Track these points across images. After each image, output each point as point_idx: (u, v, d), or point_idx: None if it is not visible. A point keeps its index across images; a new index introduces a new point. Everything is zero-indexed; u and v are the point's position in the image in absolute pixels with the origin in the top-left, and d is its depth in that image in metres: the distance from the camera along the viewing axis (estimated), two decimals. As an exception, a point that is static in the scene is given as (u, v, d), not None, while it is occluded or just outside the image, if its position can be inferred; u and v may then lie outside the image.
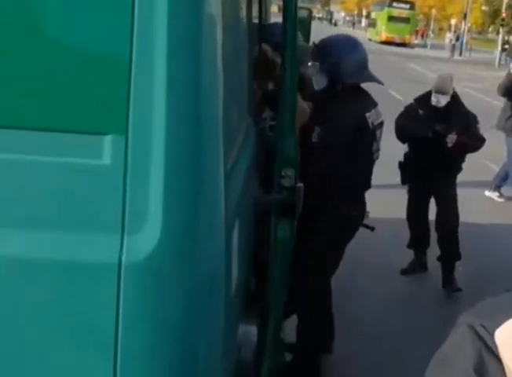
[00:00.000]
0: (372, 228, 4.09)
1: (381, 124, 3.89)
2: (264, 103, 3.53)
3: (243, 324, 2.84)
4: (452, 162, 5.49)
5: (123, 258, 1.69)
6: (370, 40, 42.53)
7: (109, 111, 1.66)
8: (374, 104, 3.90)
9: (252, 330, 2.96)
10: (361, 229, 4.06)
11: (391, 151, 5.92)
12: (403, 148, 5.65)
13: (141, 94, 1.65)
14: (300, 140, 3.14)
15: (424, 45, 43.65)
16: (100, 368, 1.73)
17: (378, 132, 3.85)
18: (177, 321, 1.77)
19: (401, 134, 5.53)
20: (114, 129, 1.66)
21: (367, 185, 3.99)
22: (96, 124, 1.67)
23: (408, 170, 5.56)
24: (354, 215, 3.90)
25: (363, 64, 3.85)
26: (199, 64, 1.71)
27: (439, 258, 5.64)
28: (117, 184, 1.68)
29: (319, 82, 3.79)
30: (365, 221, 4.04)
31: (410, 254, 5.85)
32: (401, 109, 5.72)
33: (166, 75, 1.64)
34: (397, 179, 5.74)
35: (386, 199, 6.77)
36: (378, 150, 3.91)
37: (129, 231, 1.70)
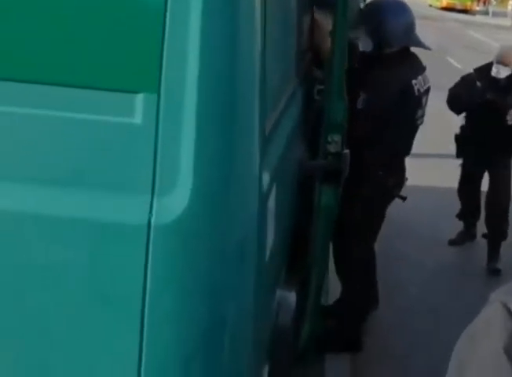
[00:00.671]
0: (404, 198, 4.03)
1: (427, 90, 3.80)
2: (313, 66, 3.47)
3: (281, 290, 2.80)
4: (511, 141, 5.32)
5: (152, 220, 1.66)
6: (430, 6, 41.58)
7: (142, 69, 1.62)
8: (422, 69, 3.81)
9: (291, 296, 2.93)
10: (409, 198, 4.00)
11: (449, 119, 5.81)
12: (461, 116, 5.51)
13: (175, 52, 1.61)
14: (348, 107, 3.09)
15: (486, 13, 42.56)
16: (127, 330, 1.72)
17: (423, 99, 3.77)
18: (205, 285, 1.74)
19: (453, 104, 5.38)
20: (146, 87, 1.62)
21: (408, 152, 3.94)
22: (128, 82, 1.63)
23: (464, 143, 5.43)
24: (392, 182, 3.85)
25: (410, 28, 3.76)
26: (237, 20, 1.66)
27: (484, 235, 5.53)
28: (148, 144, 1.64)
29: (365, 46, 3.72)
30: (403, 189, 4.00)
31: (459, 225, 5.74)
32: (459, 78, 5.56)
33: (201, 32, 1.60)
34: (451, 147, 5.61)
35: (437, 167, 6.64)
36: (422, 116, 3.84)
37: (159, 192, 1.66)
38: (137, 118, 1.63)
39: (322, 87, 3.23)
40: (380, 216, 3.94)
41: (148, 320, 1.70)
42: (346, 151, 2.99)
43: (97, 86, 1.63)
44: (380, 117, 3.62)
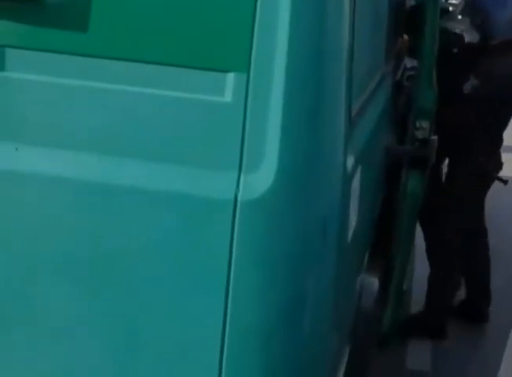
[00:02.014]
0: (505, 182, 4.03)
1: None
2: (403, 52, 3.49)
3: (364, 275, 2.83)
4: None
5: (239, 196, 1.72)
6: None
7: (233, 48, 1.67)
8: None
9: (374, 281, 2.95)
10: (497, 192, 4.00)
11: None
12: None
13: (265, 32, 1.65)
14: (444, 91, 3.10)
15: None
16: (212, 305, 1.77)
17: None
18: (288, 261, 1.78)
19: None
20: (236, 66, 1.67)
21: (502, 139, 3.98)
22: (220, 61, 1.68)
23: None
24: (492, 166, 3.87)
25: None
26: (326, 2, 1.69)
27: None
28: (237, 122, 1.70)
29: (471, 37, 3.74)
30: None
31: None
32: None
33: (290, 13, 1.64)
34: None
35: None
36: None
37: (245, 169, 1.72)
38: (227, 97, 1.69)
39: (411, 73, 3.24)
40: (477, 199, 3.97)
41: (232, 294, 1.76)
42: (434, 137, 3.00)
43: (190, 65, 1.69)
44: (488, 103, 3.66)
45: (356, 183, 2.09)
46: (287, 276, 1.79)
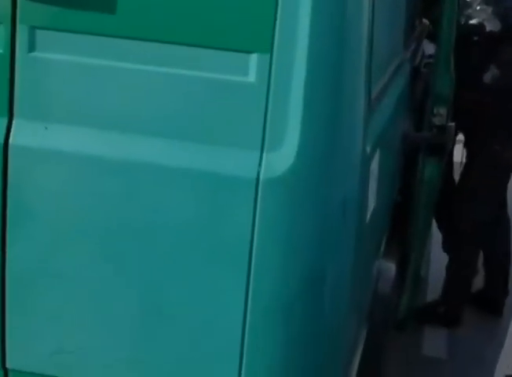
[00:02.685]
0: None
1: None
2: (422, 38, 3.51)
3: (381, 260, 2.87)
4: None
5: (261, 174, 1.77)
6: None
7: (257, 30, 1.72)
8: None
9: (391, 266, 2.99)
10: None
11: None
12: None
13: (287, 14, 1.70)
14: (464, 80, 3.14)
15: None
16: (234, 280, 1.82)
17: None
18: (309, 239, 1.83)
19: None
20: (260, 47, 1.72)
21: None
22: (243, 42, 1.73)
23: None
24: (508, 154, 3.88)
25: None
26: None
27: None
28: (259, 102, 1.75)
29: (493, 26, 3.75)
30: None
31: None
32: None
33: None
34: None
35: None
36: None
37: (268, 148, 1.77)
38: (251, 77, 1.74)
39: (429, 60, 3.27)
40: (494, 190, 3.98)
41: (254, 270, 1.81)
42: (451, 124, 3.03)
43: (214, 46, 1.74)
44: (508, 94, 3.68)
45: (374, 166, 2.13)
46: (308, 253, 1.84)
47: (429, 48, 3.48)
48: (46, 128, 1.82)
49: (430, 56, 3.25)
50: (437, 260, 4.20)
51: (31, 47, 1.79)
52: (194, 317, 1.85)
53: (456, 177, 4.07)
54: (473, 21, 3.59)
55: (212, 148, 1.78)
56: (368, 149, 1.98)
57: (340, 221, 1.87)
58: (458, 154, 4.00)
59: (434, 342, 4.05)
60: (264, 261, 1.81)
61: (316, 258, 1.86)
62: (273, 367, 1.89)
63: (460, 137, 3.91)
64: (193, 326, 1.85)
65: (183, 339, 1.87)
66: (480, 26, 3.63)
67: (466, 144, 3.93)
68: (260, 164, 1.77)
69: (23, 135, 1.83)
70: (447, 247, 4.16)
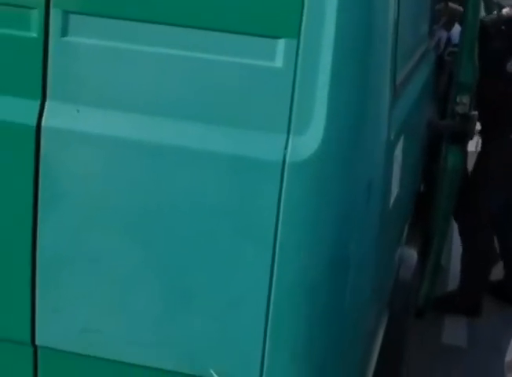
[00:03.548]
0: None
1: None
2: (450, 27, 3.53)
3: (403, 247, 2.89)
4: None
5: (287, 157, 1.80)
6: None
7: (285, 15, 1.75)
8: None
9: (413, 253, 3.01)
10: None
11: None
12: None
13: (314, 1, 1.72)
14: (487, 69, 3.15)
15: None
16: (259, 261, 1.86)
17: None
18: (333, 222, 1.86)
19: None
20: (287, 33, 1.75)
21: None
22: (271, 28, 1.76)
23: None
24: None
25: None
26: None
27: None
28: (286, 87, 1.78)
29: None
30: None
31: None
32: None
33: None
34: None
35: None
36: None
37: (294, 132, 1.80)
38: (278, 62, 1.77)
39: (453, 49, 3.29)
40: (510, 175, 3.98)
41: (279, 251, 1.84)
42: (474, 112, 3.05)
43: (243, 31, 1.77)
44: None
45: (398, 152, 2.16)
46: (332, 236, 1.87)
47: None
48: (78, 111, 1.86)
49: (455, 45, 3.27)
50: (459, 250, 4.21)
51: (64, 31, 1.83)
52: (220, 297, 1.89)
53: (469, 166, 4.07)
54: (504, 10, 3.59)
55: (239, 132, 1.82)
56: (392, 135, 2.01)
57: (364, 205, 1.90)
58: (472, 143, 4.02)
59: (454, 330, 4.07)
60: (289, 242, 1.84)
61: (340, 240, 1.89)
62: (296, 347, 1.92)
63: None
64: (218, 306, 1.89)
65: (208, 319, 1.91)
66: (506, 15, 3.64)
67: (483, 133, 3.93)
68: (286, 148, 1.80)
69: (56, 117, 1.87)
70: (463, 234, 4.17)
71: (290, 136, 1.80)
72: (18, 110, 1.88)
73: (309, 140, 1.80)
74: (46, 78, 1.86)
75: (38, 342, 2.01)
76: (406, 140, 2.30)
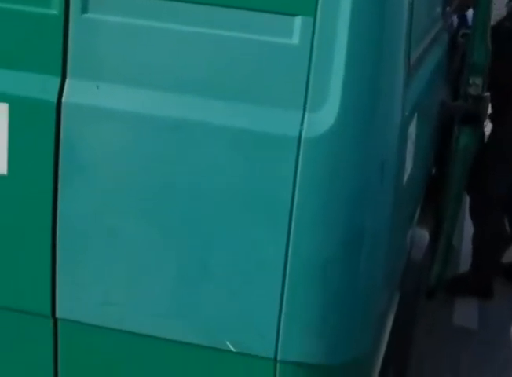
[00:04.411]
0: None
1: None
2: (464, 10, 3.55)
3: (415, 227, 2.92)
4: None
5: (303, 133, 1.83)
6: None
7: (301, -8, 1.77)
8: None
9: (425, 234, 3.04)
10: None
11: None
12: None
13: (331, -23, 1.75)
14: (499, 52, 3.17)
15: None
16: (275, 236, 1.89)
17: None
18: (347, 197, 1.89)
19: None
20: (304, 10, 1.78)
21: None
22: (288, 5, 1.79)
23: None
24: None
25: None
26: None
27: None
28: (303, 64, 1.81)
29: None
30: None
31: None
32: None
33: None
34: None
35: None
36: None
37: (310, 108, 1.83)
38: (295, 39, 1.80)
39: (466, 31, 3.30)
40: None
41: (295, 226, 1.87)
42: (487, 94, 3.07)
43: (260, 9, 1.80)
44: None
45: (412, 129, 2.19)
46: (346, 211, 1.90)
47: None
48: (98, 87, 1.89)
49: (468, 27, 3.28)
50: (470, 231, 4.23)
51: (84, 8, 1.86)
52: (236, 272, 1.93)
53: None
54: None
55: (256, 108, 1.85)
56: (406, 113, 2.03)
57: (378, 181, 1.93)
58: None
59: (465, 312, 4.11)
60: (304, 217, 1.87)
61: (354, 215, 1.92)
62: (310, 322, 1.96)
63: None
64: (235, 280, 1.93)
65: (225, 292, 1.94)
66: None
67: (494, 116, 3.93)
68: (302, 124, 1.83)
69: (76, 94, 1.91)
70: (474, 216, 4.19)
71: (306, 112, 1.83)
72: (39, 86, 1.91)
73: (324, 117, 1.83)
74: (67, 54, 1.89)
75: (58, 314, 2.05)
76: (419, 120, 2.32)
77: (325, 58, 1.80)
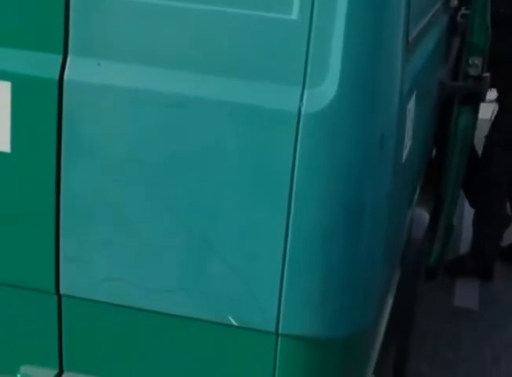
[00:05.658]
0: None
1: None
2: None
3: (415, 207, 2.94)
4: None
5: (302, 109, 1.85)
6: None
7: (300, -33, 1.79)
8: None
9: (424, 214, 3.06)
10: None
11: None
12: None
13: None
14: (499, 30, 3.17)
15: None
16: (275, 211, 1.91)
17: None
18: (347, 172, 1.91)
19: None
20: (303, -15, 1.79)
21: None
22: (287, -19, 1.80)
23: None
24: None
25: None
26: None
27: None
28: (302, 40, 1.82)
29: None
30: None
31: None
32: None
33: None
34: None
35: None
36: None
37: (309, 84, 1.84)
38: (294, 15, 1.81)
39: (466, 11, 3.31)
40: None
41: (295, 201, 1.89)
42: (487, 74, 3.08)
43: (259, -16, 1.82)
44: None
45: (411, 106, 2.21)
46: (346, 185, 1.92)
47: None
48: (99, 64, 1.91)
49: (468, 7, 3.29)
50: (471, 213, 4.25)
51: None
52: (237, 246, 1.95)
53: (484, 133, 4.09)
54: None
55: (256, 84, 1.86)
56: (406, 89, 2.05)
57: (378, 155, 1.95)
58: (488, 111, 4.05)
59: (465, 293, 4.13)
60: (304, 192, 1.89)
61: (354, 190, 1.94)
62: (311, 295, 1.98)
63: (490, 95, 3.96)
64: (236, 254, 1.95)
65: (226, 267, 1.96)
66: None
67: (499, 100, 3.96)
68: (301, 99, 1.85)
69: (78, 71, 1.92)
70: (473, 200, 4.20)
71: (306, 88, 1.85)
72: (40, 64, 1.93)
73: (323, 92, 1.85)
74: (68, 31, 1.91)
75: (62, 290, 2.08)
76: (418, 97, 2.34)
77: (324, 34, 1.82)
